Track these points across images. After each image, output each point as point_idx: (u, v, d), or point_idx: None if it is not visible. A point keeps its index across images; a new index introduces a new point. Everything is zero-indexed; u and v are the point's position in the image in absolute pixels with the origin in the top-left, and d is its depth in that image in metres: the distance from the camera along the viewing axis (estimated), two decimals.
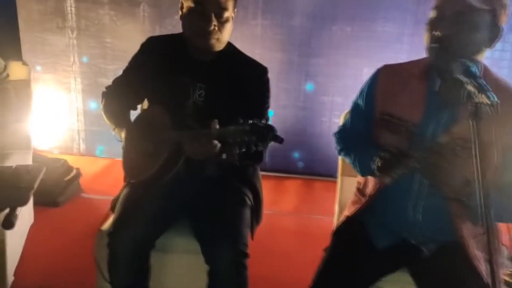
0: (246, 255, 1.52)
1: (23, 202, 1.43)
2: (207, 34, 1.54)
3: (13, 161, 2.01)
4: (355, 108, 1.60)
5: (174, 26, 3.18)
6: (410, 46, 3.10)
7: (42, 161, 2.70)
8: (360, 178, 1.68)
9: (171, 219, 1.66)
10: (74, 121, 3.56)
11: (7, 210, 1.37)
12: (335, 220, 2.01)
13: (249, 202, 1.70)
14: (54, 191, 2.69)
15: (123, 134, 1.62)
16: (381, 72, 1.52)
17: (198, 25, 1.54)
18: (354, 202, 1.65)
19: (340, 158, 1.94)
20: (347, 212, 1.63)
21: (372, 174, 1.44)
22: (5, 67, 2.10)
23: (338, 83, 3.24)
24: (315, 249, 1.57)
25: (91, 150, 3.61)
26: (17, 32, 3.32)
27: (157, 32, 3.22)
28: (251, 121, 1.21)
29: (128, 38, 3.27)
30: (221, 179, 1.67)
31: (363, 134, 1.56)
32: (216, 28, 1.54)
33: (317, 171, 3.42)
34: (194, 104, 1.63)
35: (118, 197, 1.69)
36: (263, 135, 1.20)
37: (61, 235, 2.48)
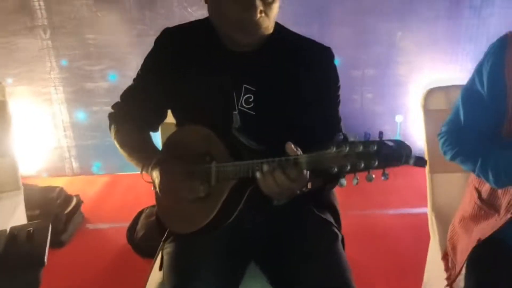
0: None
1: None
2: (253, 25, 1.08)
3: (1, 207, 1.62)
4: (471, 96, 1.19)
5: (168, 9, 2.66)
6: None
7: (34, 194, 2.23)
8: (479, 184, 1.27)
9: (241, 270, 1.22)
10: (61, 137, 3.05)
11: None
12: (431, 227, 1.59)
13: (339, 233, 1.26)
14: (55, 229, 2.25)
15: (155, 173, 1.13)
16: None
17: (238, 15, 1.07)
18: (478, 217, 1.26)
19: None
20: (477, 233, 1.22)
21: None
22: None
23: (369, 53, 2.78)
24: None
25: (86, 168, 3.12)
26: None
27: (147, 20, 2.71)
28: (352, 140, 0.90)
29: (113, 31, 2.75)
30: (293, 207, 1.18)
31: (487, 131, 1.16)
32: (263, 14, 1.08)
33: None
34: (241, 113, 1.17)
35: (158, 255, 1.25)
36: (389, 158, 0.88)
37: (73, 277, 2.09)
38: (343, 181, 0.93)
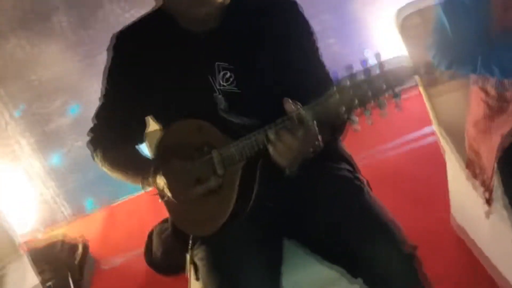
0: (414, 246, 1.05)
1: None
2: None
3: (10, 280, 1.58)
4: (454, 8, 1.19)
5: (104, 21, 2.50)
6: None
7: (38, 255, 2.12)
8: (483, 83, 1.26)
9: (278, 250, 1.16)
10: (43, 188, 2.88)
11: None
12: (444, 142, 1.54)
13: (362, 182, 1.20)
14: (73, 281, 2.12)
15: (158, 179, 1.05)
16: None
17: None
18: (492, 114, 1.25)
19: None
20: (497, 129, 1.19)
21: None
22: None
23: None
24: None
25: (80, 208, 2.96)
26: None
27: (87, 39, 2.53)
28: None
29: (55, 63, 2.57)
30: (309, 170, 1.10)
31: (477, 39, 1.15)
32: None
33: None
34: (225, 94, 1.09)
35: (189, 265, 1.16)
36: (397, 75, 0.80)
37: None
38: (355, 119, 0.86)
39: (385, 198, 1.17)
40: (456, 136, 1.46)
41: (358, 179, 1.20)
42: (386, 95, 0.82)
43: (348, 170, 1.21)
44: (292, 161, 0.97)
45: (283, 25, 1.12)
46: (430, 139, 2.16)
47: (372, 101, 0.82)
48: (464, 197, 1.54)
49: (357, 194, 1.15)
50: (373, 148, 2.48)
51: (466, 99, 1.38)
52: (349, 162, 1.25)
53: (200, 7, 1.03)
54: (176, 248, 1.24)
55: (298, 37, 1.14)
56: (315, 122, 0.89)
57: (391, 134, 2.52)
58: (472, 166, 1.34)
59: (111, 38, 1.16)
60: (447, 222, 1.74)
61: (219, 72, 1.08)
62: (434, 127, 1.58)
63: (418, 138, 2.42)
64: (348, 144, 1.28)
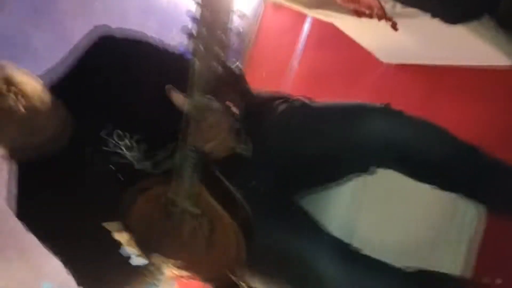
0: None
1: None
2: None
3: None
4: None
5: None
6: None
7: None
8: None
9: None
10: None
11: None
12: None
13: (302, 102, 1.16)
14: None
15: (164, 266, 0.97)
16: None
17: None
18: None
19: None
20: None
21: None
22: None
23: None
24: None
25: None
26: None
27: None
28: None
29: None
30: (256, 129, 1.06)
31: None
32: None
33: None
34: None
35: None
36: None
37: None
38: (234, 64, 0.78)
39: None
40: None
41: (294, 100, 1.15)
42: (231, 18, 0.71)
43: (281, 102, 1.15)
44: (230, 141, 0.89)
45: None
46: None
47: (224, 35, 0.71)
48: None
49: (303, 110, 1.10)
50: None
51: None
52: (272, 98, 1.18)
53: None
54: None
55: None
56: (207, 97, 0.78)
57: None
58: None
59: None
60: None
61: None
62: None
63: None
64: None
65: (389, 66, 1.77)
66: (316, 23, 2.21)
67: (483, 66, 1.42)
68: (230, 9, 0.68)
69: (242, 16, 0.70)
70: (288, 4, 1.55)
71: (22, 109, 0.89)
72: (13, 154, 1.01)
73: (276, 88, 2.20)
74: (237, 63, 0.75)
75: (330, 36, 1.83)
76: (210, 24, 0.68)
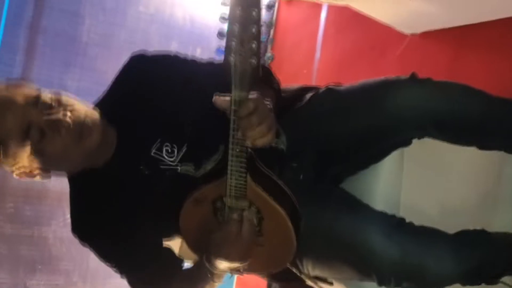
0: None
1: None
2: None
3: None
4: None
5: None
6: None
7: None
8: None
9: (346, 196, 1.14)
10: None
11: None
12: None
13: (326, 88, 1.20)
14: None
15: (219, 264, 0.99)
16: None
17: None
18: None
19: None
20: None
21: None
22: None
23: None
24: None
25: None
26: None
27: None
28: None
29: None
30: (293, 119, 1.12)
31: None
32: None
33: None
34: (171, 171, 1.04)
35: None
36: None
37: None
38: (269, 55, 0.77)
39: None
40: None
41: (315, 88, 1.18)
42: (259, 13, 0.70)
43: (308, 92, 1.18)
44: (270, 134, 0.86)
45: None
46: None
47: (256, 29, 0.70)
48: None
49: (331, 95, 1.14)
50: None
51: None
52: (300, 89, 1.21)
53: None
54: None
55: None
56: (248, 93, 0.78)
57: None
58: None
59: None
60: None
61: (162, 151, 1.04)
62: None
63: None
64: None
65: (413, 36, 1.75)
66: (332, 9, 2.21)
67: (506, 17, 1.38)
68: (260, 3, 0.69)
69: (271, 7, 0.71)
70: None
71: (70, 122, 0.94)
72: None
73: (304, 81, 2.22)
74: (268, 53, 0.75)
75: (348, 19, 1.83)
76: (242, 20, 0.68)
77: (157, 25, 2.46)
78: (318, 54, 2.28)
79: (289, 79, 2.32)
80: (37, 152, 0.94)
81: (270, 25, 0.68)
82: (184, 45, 2.45)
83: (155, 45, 2.44)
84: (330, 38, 2.24)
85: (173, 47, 2.46)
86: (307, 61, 2.31)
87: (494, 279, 1.11)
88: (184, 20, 2.50)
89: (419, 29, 1.71)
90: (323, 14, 2.26)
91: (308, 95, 1.17)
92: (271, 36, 2.55)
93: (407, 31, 1.74)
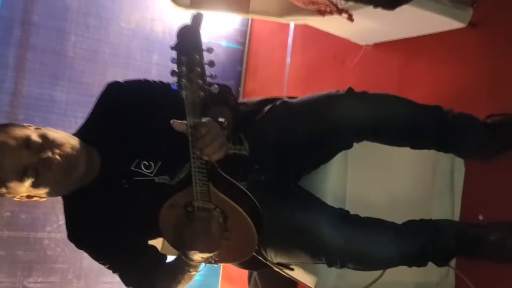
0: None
1: None
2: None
3: None
4: None
5: None
6: None
7: None
8: None
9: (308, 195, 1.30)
10: None
11: None
12: None
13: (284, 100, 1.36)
14: None
15: (193, 255, 1.16)
16: None
17: None
18: None
19: None
20: None
21: None
22: None
23: None
24: None
25: None
26: None
27: None
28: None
29: None
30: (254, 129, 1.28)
31: None
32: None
33: None
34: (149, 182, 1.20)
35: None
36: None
37: None
38: (212, 88, 0.87)
39: None
40: None
41: (273, 100, 1.34)
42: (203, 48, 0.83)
43: (267, 104, 1.33)
44: (222, 150, 1.00)
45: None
46: None
47: (200, 69, 0.83)
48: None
49: (284, 107, 1.29)
50: None
51: None
52: (260, 102, 1.37)
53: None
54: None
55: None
56: (201, 119, 0.92)
57: None
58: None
59: None
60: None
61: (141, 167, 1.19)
62: None
63: None
64: None
65: (367, 47, 1.94)
66: (298, 24, 2.40)
67: (440, 32, 1.59)
68: (201, 49, 0.82)
69: (211, 50, 0.86)
70: (264, 18, 1.76)
71: (59, 158, 1.10)
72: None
73: (277, 86, 2.40)
74: (215, 85, 0.89)
75: (313, 32, 2.01)
76: (188, 63, 0.81)
77: (139, 39, 2.60)
78: (288, 61, 2.46)
79: (263, 84, 2.51)
80: (34, 186, 1.10)
81: (213, 64, 0.78)
82: (165, 57, 2.56)
83: (137, 58, 2.59)
84: (299, 48, 2.42)
85: (154, 59, 2.61)
86: (279, 68, 2.49)
87: (444, 262, 1.28)
88: (163, 34, 2.64)
89: (371, 41, 1.90)
90: (292, 26, 2.44)
91: (267, 108, 1.34)
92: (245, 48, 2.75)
93: (361, 42, 1.93)
